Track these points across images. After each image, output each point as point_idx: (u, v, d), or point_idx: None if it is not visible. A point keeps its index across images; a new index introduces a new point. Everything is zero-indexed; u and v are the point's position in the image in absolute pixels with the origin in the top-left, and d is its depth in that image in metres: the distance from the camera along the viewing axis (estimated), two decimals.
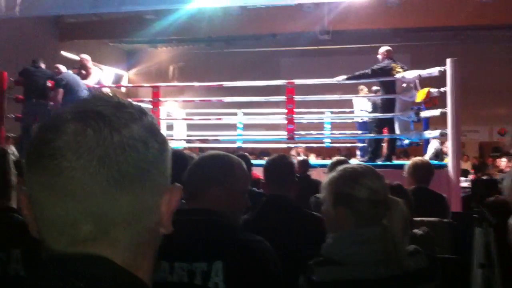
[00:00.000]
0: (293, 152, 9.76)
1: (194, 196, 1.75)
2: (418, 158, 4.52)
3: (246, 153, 4.95)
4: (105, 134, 0.64)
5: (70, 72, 7.94)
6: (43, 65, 8.03)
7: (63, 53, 12.94)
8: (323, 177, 4.63)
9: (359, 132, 9.30)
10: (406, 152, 9.93)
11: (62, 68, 7.93)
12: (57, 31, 14.88)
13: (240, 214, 1.90)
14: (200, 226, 1.66)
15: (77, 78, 7.85)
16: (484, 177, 7.65)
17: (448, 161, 6.39)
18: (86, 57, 8.37)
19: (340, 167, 1.88)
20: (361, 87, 9.23)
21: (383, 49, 7.48)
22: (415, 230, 3.10)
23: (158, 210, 0.69)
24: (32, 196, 0.66)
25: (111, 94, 0.72)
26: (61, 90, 7.50)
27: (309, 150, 10.56)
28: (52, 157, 0.63)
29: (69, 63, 9.02)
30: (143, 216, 0.67)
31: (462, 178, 6.80)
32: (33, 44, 12.89)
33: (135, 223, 0.66)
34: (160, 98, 8.15)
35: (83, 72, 8.24)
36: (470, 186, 6.35)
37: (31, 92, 7.67)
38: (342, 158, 5.36)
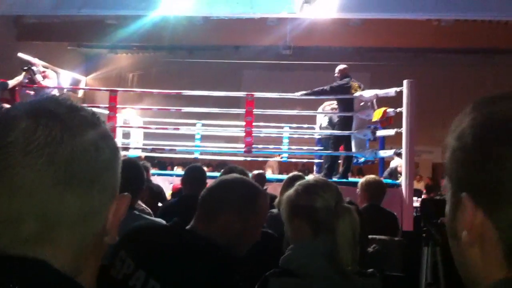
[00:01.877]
0: (266, 166, 9.73)
1: (204, 219, 1.65)
2: (371, 176, 4.57)
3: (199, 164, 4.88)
4: (56, 134, 0.64)
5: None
6: None
7: (20, 54, 12.58)
8: (279, 192, 4.62)
9: (316, 148, 9.37)
10: (361, 170, 10.05)
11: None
12: (15, 30, 14.51)
13: (248, 246, 1.73)
14: (191, 252, 1.54)
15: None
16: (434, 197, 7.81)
17: (402, 180, 6.49)
18: (38, 62, 8.16)
19: (296, 183, 1.92)
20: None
21: (340, 67, 7.60)
22: (368, 249, 3.12)
23: (104, 216, 0.69)
24: None
25: (66, 98, 0.71)
26: None
27: (280, 165, 10.55)
28: (0, 151, 0.63)
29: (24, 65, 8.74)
30: (88, 219, 0.67)
31: (415, 198, 6.92)
32: None
33: (79, 226, 0.66)
34: (117, 105, 8.00)
35: (37, 79, 8.02)
36: (420, 205, 6.47)
37: None
38: (298, 173, 5.36)
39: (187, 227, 1.67)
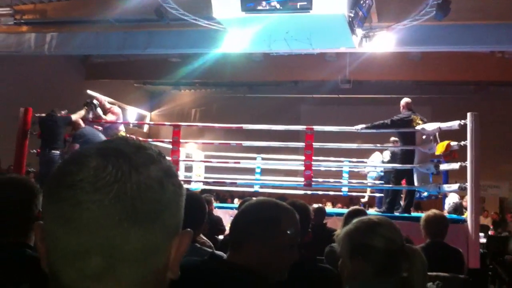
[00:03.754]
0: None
1: (235, 248, 1.64)
2: (431, 211, 4.44)
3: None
4: (124, 171, 0.66)
5: (88, 127, 7.94)
6: (62, 112, 8.08)
7: (89, 91, 13.23)
8: (339, 226, 4.61)
9: (377, 182, 9.23)
10: (419, 205, 9.74)
11: (81, 123, 7.94)
12: (83, 69, 15.28)
13: (285, 268, 1.68)
14: (226, 282, 1.56)
15: (96, 132, 7.82)
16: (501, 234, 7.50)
17: (467, 215, 6.29)
18: (101, 98, 8.42)
19: (356, 219, 1.87)
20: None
21: (403, 100, 7.51)
22: (429, 284, 3.04)
23: (167, 253, 0.70)
24: (46, 227, 0.68)
25: (134, 139, 0.75)
26: (76, 145, 7.57)
27: (326, 198, 10.47)
28: (70, 188, 0.65)
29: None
30: (151, 255, 0.68)
31: (481, 234, 6.67)
32: (60, 81, 13.25)
33: (142, 262, 0.67)
34: (180, 139, 8.22)
35: (98, 113, 8.28)
36: (486, 242, 6.23)
37: (46, 142, 7.72)
38: (359, 208, 5.31)
39: (225, 257, 1.68)
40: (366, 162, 9.36)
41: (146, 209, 0.66)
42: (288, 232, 1.64)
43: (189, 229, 0.75)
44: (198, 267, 1.63)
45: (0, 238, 1.81)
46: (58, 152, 7.63)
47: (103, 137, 7.68)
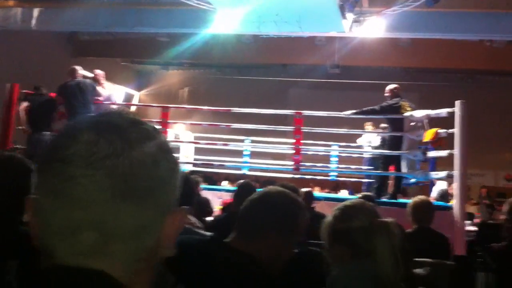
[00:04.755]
0: None
1: (245, 236, 1.63)
2: (418, 197, 4.49)
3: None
4: (117, 146, 0.65)
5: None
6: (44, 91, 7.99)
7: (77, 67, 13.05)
8: (326, 210, 4.60)
9: (364, 167, 9.29)
10: (405, 191, 9.80)
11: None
12: (70, 47, 15.07)
13: (284, 261, 1.69)
14: (234, 269, 1.54)
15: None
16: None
17: (454, 203, 6.36)
18: (100, 72, 8.33)
19: (335, 207, 1.93)
20: (367, 123, 9.29)
21: (391, 86, 7.54)
22: (417, 270, 3.06)
23: (160, 230, 0.69)
24: (38, 202, 0.66)
25: (129, 112, 0.73)
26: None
27: (313, 182, 10.52)
28: (62, 162, 0.64)
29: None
30: (144, 232, 0.67)
31: (467, 222, 6.75)
32: (46, 58, 13.04)
33: (135, 238, 0.66)
34: (168, 120, 8.18)
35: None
36: (477, 229, 6.31)
37: (34, 122, 7.64)
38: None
39: (227, 240, 1.66)
40: (354, 147, 9.40)
41: (139, 186, 0.66)
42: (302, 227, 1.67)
43: (183, 207, 0.73)
44: (201, 247, 1.62)
45: None
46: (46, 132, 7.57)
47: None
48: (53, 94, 7.99)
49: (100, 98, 8.13)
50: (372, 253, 1.68)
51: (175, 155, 0.72)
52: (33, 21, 10.18)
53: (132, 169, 0.65)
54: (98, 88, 8.14)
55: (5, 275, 1.68)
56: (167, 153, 0.70)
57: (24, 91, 7.93)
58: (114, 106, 8.49)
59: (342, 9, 8.31)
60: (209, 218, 5.26)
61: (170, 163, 0.70)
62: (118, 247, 0.65)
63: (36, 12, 10.13)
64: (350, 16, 8.60)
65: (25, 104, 7.65)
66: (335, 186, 12.22)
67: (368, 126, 9.22)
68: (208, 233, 2.99)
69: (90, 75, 8.50)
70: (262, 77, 15.57)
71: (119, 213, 0.64)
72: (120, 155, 0.65)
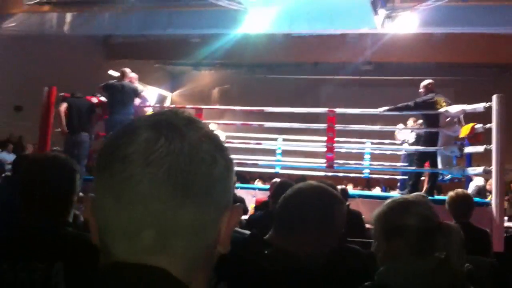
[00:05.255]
0: None
1: (282, 232, 1.63)
2: (455, 192, 4.38)
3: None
4: (176, 144, 0.65)
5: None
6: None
7: (111, 72, 13.27)
8: (361, 208, 4.57)
9: (398, 164, 9.17)
10: (440, 188, 9.63)
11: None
12: (104, 50, 15.36)
13: (325, 254, 1.68)
14: (274, 266, 1.52)
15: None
16: None
17: (492, 199, 6.24)
18: (133, 75, 8.37)
19: (389, 199, 1.85)
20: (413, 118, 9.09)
21: (425, 82, 7.41)
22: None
23: (217, 227, 0.70)
24: (97, 201, 0.67)
25: (185, 112, 0.73)
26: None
27: (346, 180, 10.46)
28: (122, 162, 0.65)
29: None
30: (202, 230, 0.67)
31: (506, 218, 6.62)
32: (81, 61, 13.35)
33: (194, 236, 0.67)
34: (202, 120, 8.25)
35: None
36: None
37: (72, 124, 7.79)
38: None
39: (266, 237, 1.66)
40: (387, 144, 9.30)
41: (198, 183, 0.66)
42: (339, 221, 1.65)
43: (239, 204, 0.74)
44: (240, 244, 1.61)
45: (39, 217, 1.80)
46: (86, 134, 7.75)
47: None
48: (89, 97, 8.14)
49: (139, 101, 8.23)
50: (433, 253, 1.65)
51: (229, 152, 0.73)
52: (67, 26, 10.41)
53: (192, 166, 0.65)
54: (143, 94, 8.28)
55: (52, 277, 1.67)
56: (223, 150, 0.71)
57: (62, 94, 8.10)
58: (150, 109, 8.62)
59: (374, 5, 8.25)
60: (244, 217, 5.29)
61: (226, 161, 0.70)
62: (178, 245, 0.66)
63: (70, 16, 10.36)
64: (382, 12, 8.53)
65: (64, 106, 7.80)
66: (368, 183, 12.13)
67: (410, 122, 8.99)
68: (246, 231, 3.01)
69: (131, 74, 8.57)
70: (293, 75, 15.56)
71: (180, 211, 0.65)
72: (179, 153, 0.65)
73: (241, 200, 5.98)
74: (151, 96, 11.62)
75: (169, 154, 0.65)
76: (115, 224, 0.66)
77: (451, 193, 4.36)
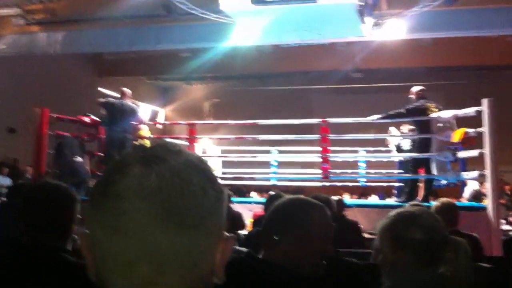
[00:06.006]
0: None
1: (269, 246, 1.67)
2: (439, 201, 4.40)
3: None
4: (167, 178, 0.67)
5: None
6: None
7: (101, 89, 13.25)
8: (358, 217, 4.56)
9: (395, 171, 9.19)
10: (436, 194, 9.63)
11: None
12: (95, 67, 15.34)
13: (321, 263, 1.68)
14: (266, 282, 1.58)
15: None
16: None
17: (487, 202, 6.27)
18: (127, 91, 8.34)
19: (395, 211, 1.86)
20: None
21: (415, 88, 7.45)
22: None
23: (212, 258, 0.71)
24: (92, 236, 0.68)
25: (173, 143, 0.75)
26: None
27: (343, 189, 10.44)
28: (116, 198, 0.66)
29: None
30: (197, 261, 0.68)
31: (503, 221, 6.64)
32: (73, 80, 13.32)
33: (189, 268, 0.68)
34: (195, 136, 8.26)
35: None
36: None
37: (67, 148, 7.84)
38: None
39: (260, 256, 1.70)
40: (381, 152, 9.31)
41: (191, 216, 0.67)
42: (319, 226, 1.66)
43: (232, 234, 0.75)
44: (238, 264, 1.64)
45: (38, 242, 1.84)
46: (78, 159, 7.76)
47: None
48: (81, 117, 8.14)
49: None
50: (440, 266, 1.66)
51: (220, 182, 0.74)
52: (57, 45, 10.39)
53: (183, 199, 0.67)
54: (140, 114, 8.34)
55: None
56: (213, 182, 0.72)
57: (55, 115, 8.07)
58: (146, 127, 8.65)
59: (361, 14, 8.30)
60: (242, 232, 5.28)
61: (217, 192, 0.71)
62: (174, 278, 0.67)
63: (59, 35, 10.34)
64: (369, 20, 8.58)
65: None
66: (364, 191, 12.12)
67: (404, 128, 9.00)
68: (243, 249, 3.02)
69: (115, 94, 8.64)
70: (284, 85, 15.60)
71: (174, 244, 0.66)
72: (171, 187, 0.66)
73: (238, 215, 5.96)
74: (145, 113, 11.58)
75: (160, 189, 0.66)
76: (110, 259, 0.67)
77: (436, 203, 4.38)
